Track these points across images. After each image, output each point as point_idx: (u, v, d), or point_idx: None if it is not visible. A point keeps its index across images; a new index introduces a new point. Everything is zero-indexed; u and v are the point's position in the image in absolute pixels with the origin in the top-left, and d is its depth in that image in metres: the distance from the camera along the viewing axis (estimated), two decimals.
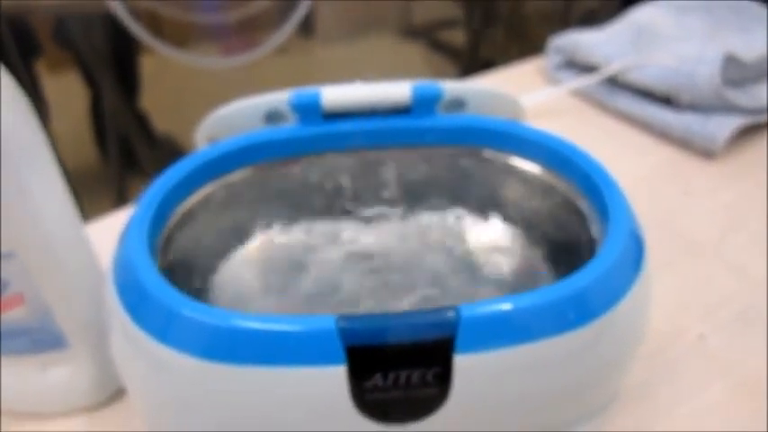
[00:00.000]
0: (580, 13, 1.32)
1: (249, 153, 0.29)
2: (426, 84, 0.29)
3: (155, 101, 1.33)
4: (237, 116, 0.30)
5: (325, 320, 0.20)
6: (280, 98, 0.29)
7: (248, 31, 1.21)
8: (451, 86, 0.30)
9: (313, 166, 0.30)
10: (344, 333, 0.20)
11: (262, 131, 0.29)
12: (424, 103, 0.29)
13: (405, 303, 0.30)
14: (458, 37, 1.60)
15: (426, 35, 1.73)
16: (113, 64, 1.13)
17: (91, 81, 1.24)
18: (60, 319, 0.29)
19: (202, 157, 0.27)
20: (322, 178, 0.31)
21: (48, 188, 0.27)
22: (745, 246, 0.41)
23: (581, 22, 0.72)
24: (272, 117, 0.30)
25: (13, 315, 0.28)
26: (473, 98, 0.31)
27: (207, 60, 1.15)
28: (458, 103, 0.31)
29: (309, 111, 0.28)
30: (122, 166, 1.18)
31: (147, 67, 1.29)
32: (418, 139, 0.30)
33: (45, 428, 0.31)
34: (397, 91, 0.28)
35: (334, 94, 0.28)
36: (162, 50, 1.03)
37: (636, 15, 0.60)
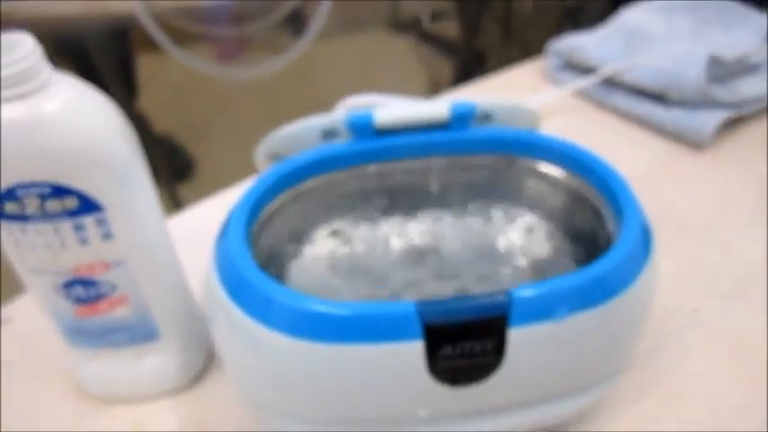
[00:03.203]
0: (566, 9, 1.37)
1: (317, 165, 0.33)
2: (462, 102, 0.34)
3: (149, 102, 1.35)
4: (298, 134, 0.34)
5: (407, 305, 0.25)
6: (336, 118, 0.34)
7: (243, 36, 1.24)
8: (482, 102, 0.35)
9: (368, 176, 0.35)
10: (423, 314, 0.25)
11: (328, 147, 0.33)
12: (460, 119, 0.34)
13: (451, 290, 0.35)
14: (447, 29, 1.64)
15: (415, 28, 1.76)
16: (119, 66, 1.16)
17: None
18: (155, 314, 0.33)
19: (283, 169, 0.32)
20: (376, 186, 0.36)
21: (147, 200, 0.31)
22: (735, 227, 0.46)
23: (568, 19, 0.76)
24: (328, 135, 0.34)
25: (117, 313, 0.32)
26: (499, 111, 0.36)
27: (233, 72, 1.17)
28: (486, 116, 0.36)
29: (363, 129, 0.33)
30: None
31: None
32: (457, 150, 0.35)
33: (137, 411, 0.35)
34: (438, 109, 0.33)
35: (385, 114, 0.33)
36: (183, 59, 1.05)
37: (626, 17, 0.65)
